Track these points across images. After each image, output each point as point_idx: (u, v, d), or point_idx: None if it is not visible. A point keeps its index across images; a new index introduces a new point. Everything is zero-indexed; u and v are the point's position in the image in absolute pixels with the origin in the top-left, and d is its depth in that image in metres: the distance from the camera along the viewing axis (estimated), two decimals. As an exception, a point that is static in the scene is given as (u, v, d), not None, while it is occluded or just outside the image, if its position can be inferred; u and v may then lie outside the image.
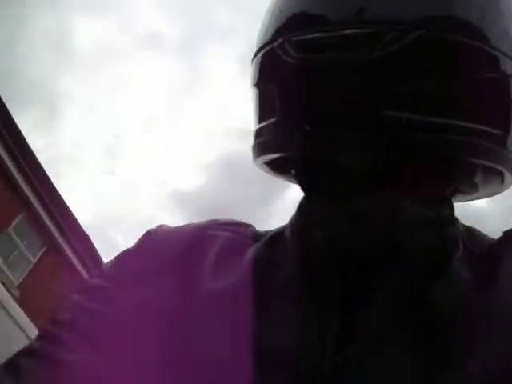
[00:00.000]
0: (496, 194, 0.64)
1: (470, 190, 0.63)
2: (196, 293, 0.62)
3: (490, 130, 0.55)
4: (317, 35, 0.54)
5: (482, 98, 0.55)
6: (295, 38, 0.55)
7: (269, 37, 0.59)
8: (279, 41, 0.57)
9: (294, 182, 0.67)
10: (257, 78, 0.62)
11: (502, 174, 0.59)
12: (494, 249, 0.60)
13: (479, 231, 0.63)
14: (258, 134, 0.62)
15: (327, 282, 0.58)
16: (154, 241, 0.68)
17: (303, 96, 0.55)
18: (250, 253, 0.64)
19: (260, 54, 0.61)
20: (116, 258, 0.69)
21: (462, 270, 0.58)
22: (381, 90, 0.53)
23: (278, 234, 0.66)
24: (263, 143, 0.60)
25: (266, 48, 0.59)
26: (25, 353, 0.60)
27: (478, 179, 0.60)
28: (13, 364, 0.59)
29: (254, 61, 0.62)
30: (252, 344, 0.57)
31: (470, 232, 0.63)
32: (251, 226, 0.70)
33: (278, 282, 0.61)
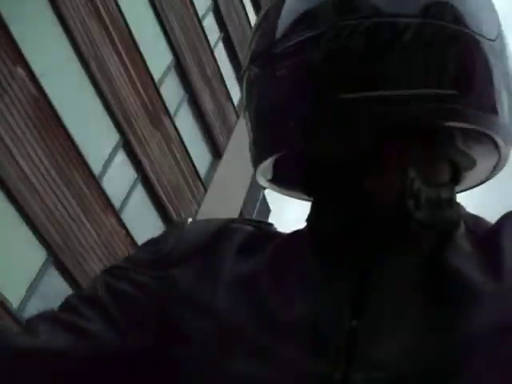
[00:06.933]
0: (497, 171, 0.68)
1: (467, 163, 0.67)
2: (219, 276, 0.66)
3: (460, 93, 0.59)
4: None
5: (455, 66, 0.60)
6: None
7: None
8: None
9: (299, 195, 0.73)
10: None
11: (495, 144, 0.63)
12: (493, 228, 0.65)
13: (484, 219, 0.67)
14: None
15: (341, 255, 0.62)
16: (180, 230, 0.73)
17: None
18: (271, 245, 0.69)
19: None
20: (142, 243, 0.74)
21: (464, 245, 0.62)
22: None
23: (298, 231, 0.70)
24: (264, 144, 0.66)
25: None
26: (43, 315, 0.67)
27: (465, 147, 0.65)
28: (30, 324, 0.65)
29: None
30: (270, 317, 0.61)
31: (475, 218, 0.67)
32: (272, 224, 0.74)
33: (296, 266, 0.65)
